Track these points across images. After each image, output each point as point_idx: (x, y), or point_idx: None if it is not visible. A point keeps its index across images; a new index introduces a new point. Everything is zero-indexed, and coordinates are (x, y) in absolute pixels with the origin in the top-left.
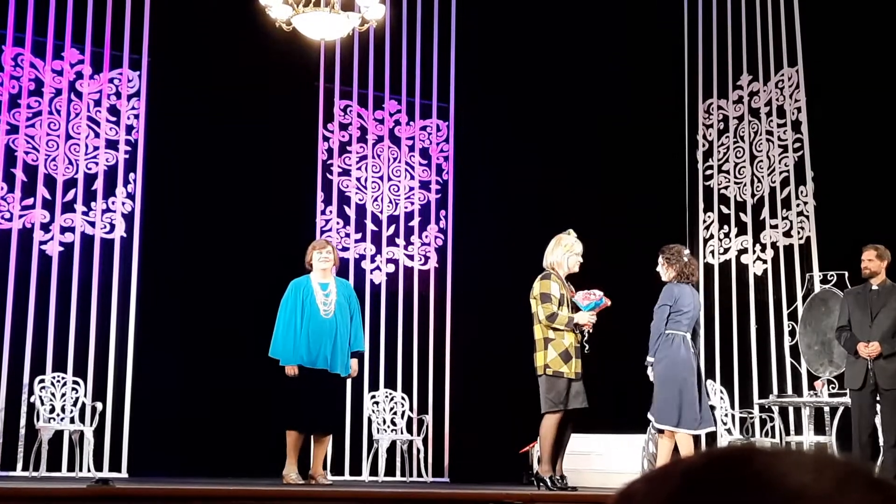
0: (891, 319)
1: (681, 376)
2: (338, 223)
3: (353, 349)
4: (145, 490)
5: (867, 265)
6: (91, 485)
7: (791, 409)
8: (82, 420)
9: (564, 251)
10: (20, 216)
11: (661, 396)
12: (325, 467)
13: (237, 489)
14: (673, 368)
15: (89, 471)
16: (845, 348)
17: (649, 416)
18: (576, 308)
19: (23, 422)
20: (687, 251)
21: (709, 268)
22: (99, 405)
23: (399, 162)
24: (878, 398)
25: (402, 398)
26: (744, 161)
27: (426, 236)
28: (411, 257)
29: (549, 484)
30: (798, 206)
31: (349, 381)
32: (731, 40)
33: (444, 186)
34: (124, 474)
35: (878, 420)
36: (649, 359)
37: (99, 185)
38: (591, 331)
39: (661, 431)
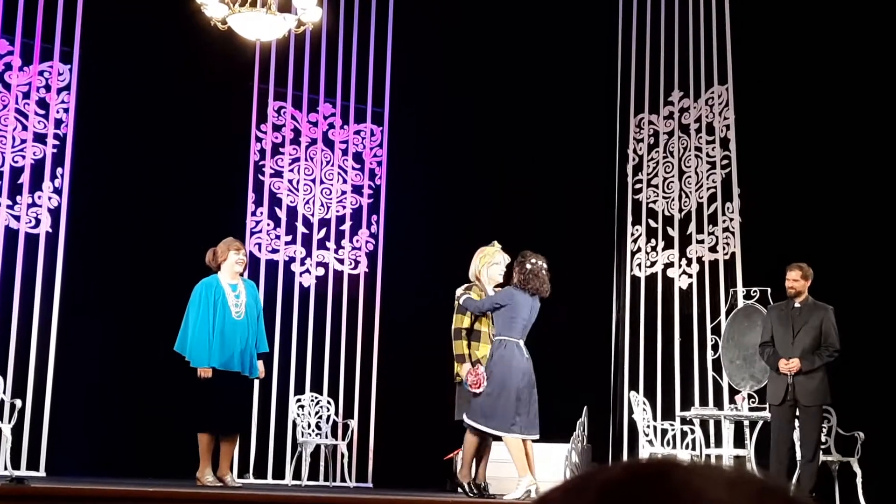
0: (811, 337)
1: (511, 381)
2: (268, 225)
3: (260, 351)
4: (59, 490)
5: (792, 285)
6: (5, 483)
7: (711, 422)
8: (0, 417)
9: (481, 263)
10: None
11: (492, 397)
12: (232, 469)
13: (152, 490)
14: (508, 373)
15: (6, 469)
16: (767, 364)
17: (466, 417)
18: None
19: None
20: (541, 264)
21: (635, 281)
22: (18, 402)
23: (332, 165)
24: (797, 413)
25: (328, 402)
26: (672, 176)
27: (357, 241)
28: (341, 261)
29: (466, 490)
30: (724, 222)
31: (257, 382)
32: (663, 56)
33: (377, 191)
34: (42, 473)
35: (796, 435)
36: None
37: (25, 178)
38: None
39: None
